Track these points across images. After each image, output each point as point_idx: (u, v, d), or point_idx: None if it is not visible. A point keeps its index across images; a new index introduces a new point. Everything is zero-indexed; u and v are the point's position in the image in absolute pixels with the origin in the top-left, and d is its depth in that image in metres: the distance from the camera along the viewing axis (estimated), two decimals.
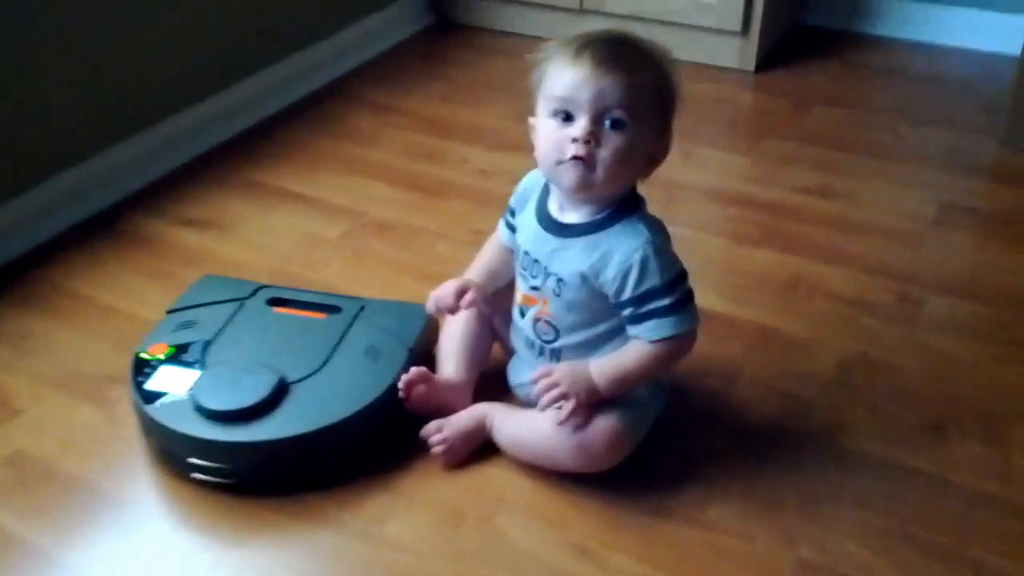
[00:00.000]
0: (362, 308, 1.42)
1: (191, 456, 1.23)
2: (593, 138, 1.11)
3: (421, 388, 1.29)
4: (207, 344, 1.36)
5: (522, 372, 1.33)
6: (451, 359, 1.37)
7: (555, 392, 1.16)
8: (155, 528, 1.22)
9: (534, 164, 1.84)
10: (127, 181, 1.95)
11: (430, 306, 1.33)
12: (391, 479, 1.28)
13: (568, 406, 1.16)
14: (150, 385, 1.29)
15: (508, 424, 1.28)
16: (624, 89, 1.11)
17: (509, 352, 1.39)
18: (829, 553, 1.16)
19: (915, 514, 1.21)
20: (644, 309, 1.16)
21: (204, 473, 1.24)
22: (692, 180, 1.98)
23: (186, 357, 1.33)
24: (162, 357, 1.34)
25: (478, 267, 1.37)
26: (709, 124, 2.22)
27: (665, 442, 1.32)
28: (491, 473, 1.28)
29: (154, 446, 1.30)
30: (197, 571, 1.17)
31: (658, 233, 1.19)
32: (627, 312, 1.18)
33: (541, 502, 1.24)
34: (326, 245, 1.78)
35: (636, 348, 1.18)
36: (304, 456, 1.24)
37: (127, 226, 1.85)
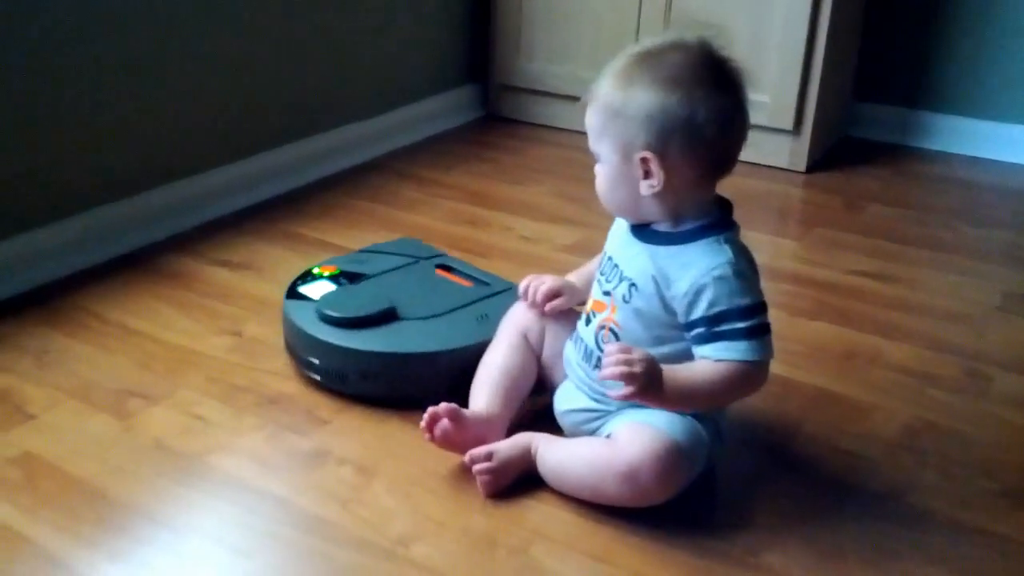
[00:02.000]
0: (507, 289, 1.50)
1: (298, 347, 1.42)
2: (597, 173, 1.17)
3: (446, 424, 1.21)
4: (365, 277, 1.52)
5: (571, 399, 1.24)
6: (485, 391, 1.29)
7: (625, 370, 1.05)
8: (160, 535, 1.12)
9: (580, 235, 1.79)
10: (168, 223, 1.93)
11: (522, 288, 1.34)
12: (420, 504, 1.18)
13: (627, 390, 1.06)
14: (301, 289, 1.50)
15: (552, 453, 1.19)
16: (594, 124, 1.14)
17: (554, 387, 1.31)
18: None
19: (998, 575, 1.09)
20: (717, 329, 1.09)
21: (303, 366, 1.42)
22: None
23: (342, 280, 1.51)
24: (326, 274, 1.53)
25: (582, 271, 1.35)
26: (760, 213, 2.18)
27: (720, 489, 1.23)
28: (529, 504, 1.18)
29: (284, 336, 1.48)
30: None
31: (742, 259, 1.12)
32: (698, 331, 1.10)
33: (582, 535, 1.13)
34: None
35: (705, 365, 1.10)
36: (380, 373, 1.36)
37: (162, 263, 1.81)
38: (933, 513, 1.19)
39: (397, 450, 1.27)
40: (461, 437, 1.22)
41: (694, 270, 1.10)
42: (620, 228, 1.22)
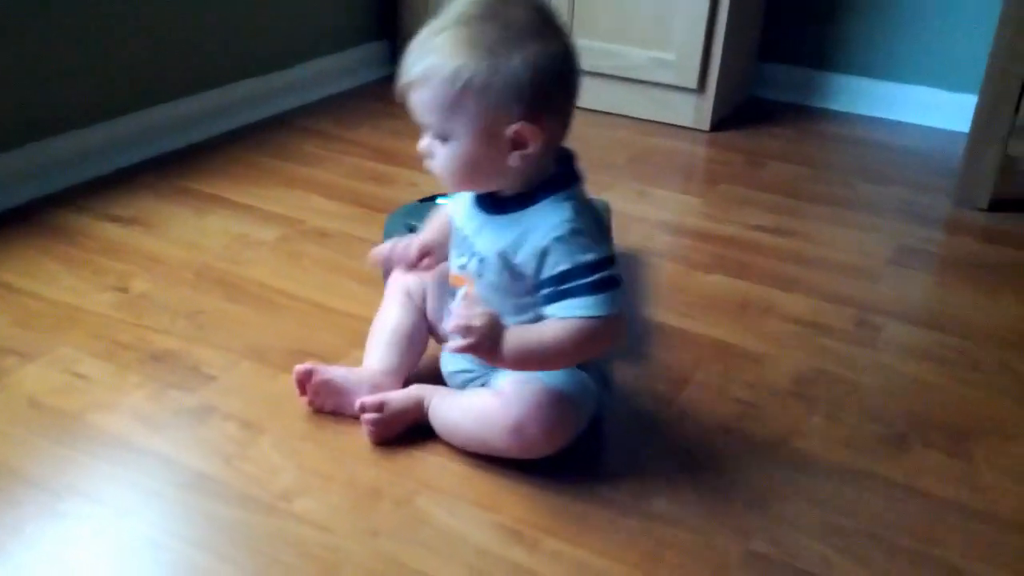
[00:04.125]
0: None
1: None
2: (429, 151, 1.08)
3: (316, 379, 1.21)
4: None
5: (455, 360, 1.23)
6: (378, 349, 1.27)
7: (462, 323, 1.03)
8: (34, 496, 1.08)
9: None
10: (58, 177, 1.85)
11: (375, 257, 1.26)
12: (307, 458, 1.16)
13: (463, 343, 1.03)
14: (440, 199, 1.55)
15: (443, 406, 1.18)
16: (429, 105, 1.03)
17: (443, 342, 1.29)
18: (784, 547, 1.05)
19: (878, 515, 1.11)
20: (563, 288, 1.05)
21: None
22: (645, 214, 1.92)
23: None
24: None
25: (433, 228, 1.28)
26: (663, 171, 2.18)
27: (607, 438, 1.23)
28: (416, 455, 1.17)
29: None
30: (80, 542, 1.03)
31: (583, 214, 1.07)
32: (546, 292, 1.07)
33: (469, 486, 1.12)
34: (259, 246, 1.68)
35: (553, 323, 1.06)
36: None
37: (49, 219, 1.74)
38: (820, 457, 1.21)
39: (286, 405, 1.24)
40: (336, 395, 1.22)
41: (536, 233, 1.06)
42: (463, 199, 1.17)
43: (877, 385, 1.38)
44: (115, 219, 1.75)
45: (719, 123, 2.47)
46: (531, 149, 1.04)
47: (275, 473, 1.13)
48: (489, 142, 1.03)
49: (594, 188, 1.99)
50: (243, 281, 1.56)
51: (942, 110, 2.53)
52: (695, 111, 2.45)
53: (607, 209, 1.64)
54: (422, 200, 1.63)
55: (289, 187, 1.95)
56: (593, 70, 2.42)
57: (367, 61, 2.73)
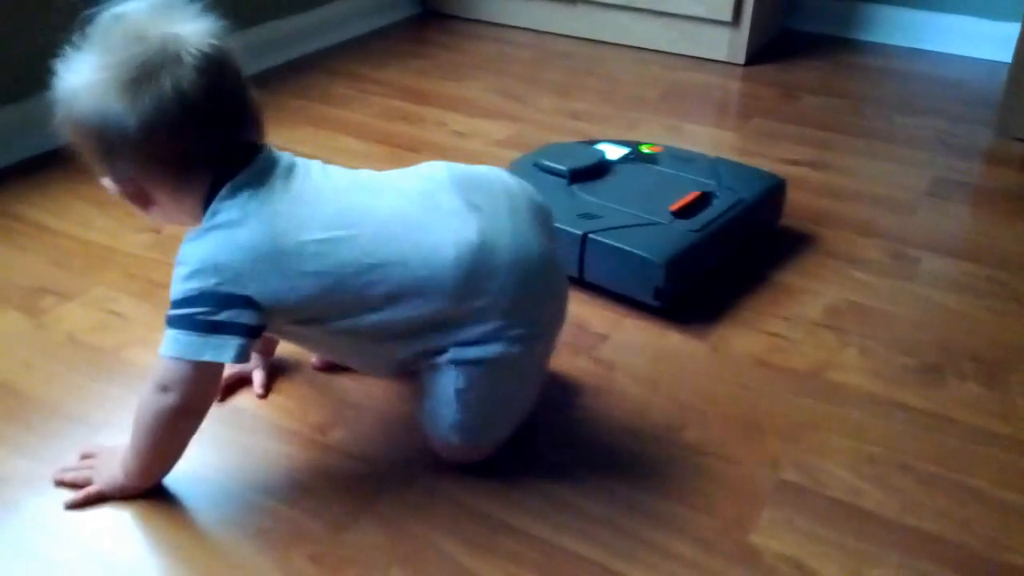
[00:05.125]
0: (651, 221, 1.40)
1: None
2: None
3: None
4: (655, 163, 1.57)
5: None
6: None
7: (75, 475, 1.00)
8: (72, 429, 1.10)
9: (514, 129, 1.77)
10: None
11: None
12: (340, 392, 1.17)
13: (81, 496, 0.98)
14: (599, 144, 1.61)
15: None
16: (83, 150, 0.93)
17: None
18: (815, 477, 1.05)
19: (910, 446, 1.11)
20: None
21: None
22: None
23: (633, 156, 1.58)
24: (643, 149, 1.62)
25: None
26: (695, 105, 2.15)
27: (638, 372, 1.22)
28: None
29: None
30: None
31: (206, 244, 0.90)
32: None
33: None
34: None
35: None
36: None
37: (79, 161, 1.74)
38: (853, 388, 1.20)
39: None
40: None
41: None
42: None
43: (912, 317, 1.36)
44: None
45: (753, 56, 2.43)
46: (164, 206, 0.93)
47: (309, 406, 1.14)
48: (129, 197, 0.93)
49: (624, 125, 1.99)
50: None
51: (983, 39, 2.47)
52: (729, 45, 2.40)
53: (775, 178, 1.55)
54: (582, 141, 1.62)
55: (317, 127, 1.95)
56: (624, 4, 2.38)
57: (394, 1, 2.70)
